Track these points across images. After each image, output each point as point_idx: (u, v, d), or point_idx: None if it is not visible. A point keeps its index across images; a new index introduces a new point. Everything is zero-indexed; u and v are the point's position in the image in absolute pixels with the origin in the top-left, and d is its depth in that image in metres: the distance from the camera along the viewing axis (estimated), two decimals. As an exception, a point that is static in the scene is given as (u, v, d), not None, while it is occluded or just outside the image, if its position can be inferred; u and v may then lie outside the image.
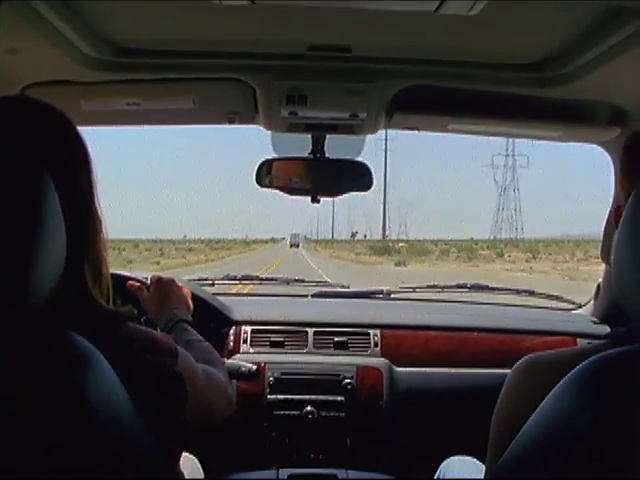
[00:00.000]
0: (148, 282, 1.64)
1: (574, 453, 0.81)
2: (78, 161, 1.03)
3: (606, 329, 2.25)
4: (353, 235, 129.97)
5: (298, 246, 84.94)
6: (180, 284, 1.62)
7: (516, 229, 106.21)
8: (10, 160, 0.89)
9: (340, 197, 2.18)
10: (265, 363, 2.29)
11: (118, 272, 1.93)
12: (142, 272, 1.97)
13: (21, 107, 1.03)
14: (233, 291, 3.74)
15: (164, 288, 1.59)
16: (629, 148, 1.09)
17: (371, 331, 2.41)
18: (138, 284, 1.64)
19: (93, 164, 1.06)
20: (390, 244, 67.20)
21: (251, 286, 3.27)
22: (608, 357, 0.86)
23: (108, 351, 0.92)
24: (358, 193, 2.14)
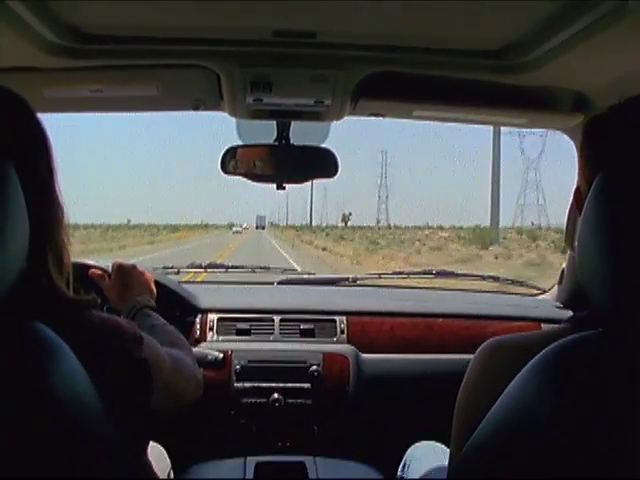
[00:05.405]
0: (110, 270, 1.62)
1: (537, 440, 0.82)
2: (39, 148, 1.01)
3: (570, 314, 2.29)
4: (345, 219, 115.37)
5: (264, 228, 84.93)
6: (142, 269, 1.61)
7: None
8: None
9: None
10: (231, 351, 2.29)
11: (80, 260, 1.90)
12: (104, 260, 1.95)
13: None
14: (199, 279, 3.72)
15: (125, 275, 1.58)
16: (589, 133, 1.08)
17: (337, 318, 2.42)
18: (100, 272, 1.63)
19: (53, 151, 1.04)
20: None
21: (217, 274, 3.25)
22: (569, 343, 0.87)
23: (72, 340, 0.91)
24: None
